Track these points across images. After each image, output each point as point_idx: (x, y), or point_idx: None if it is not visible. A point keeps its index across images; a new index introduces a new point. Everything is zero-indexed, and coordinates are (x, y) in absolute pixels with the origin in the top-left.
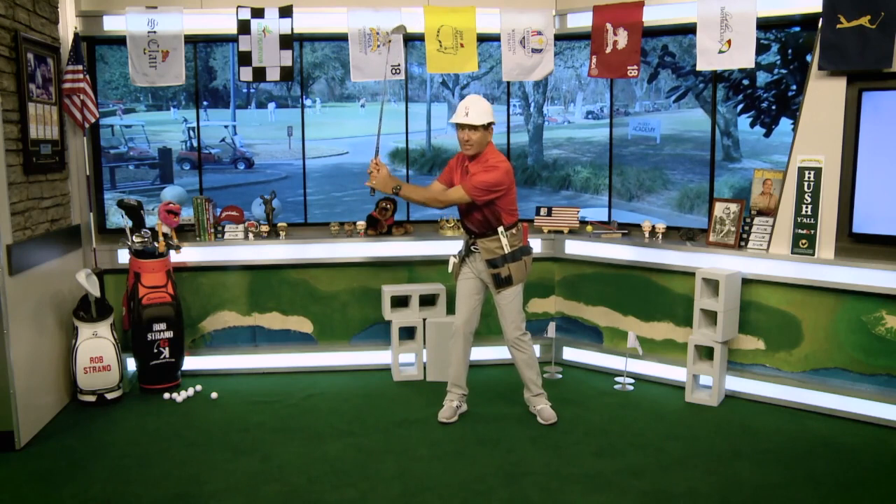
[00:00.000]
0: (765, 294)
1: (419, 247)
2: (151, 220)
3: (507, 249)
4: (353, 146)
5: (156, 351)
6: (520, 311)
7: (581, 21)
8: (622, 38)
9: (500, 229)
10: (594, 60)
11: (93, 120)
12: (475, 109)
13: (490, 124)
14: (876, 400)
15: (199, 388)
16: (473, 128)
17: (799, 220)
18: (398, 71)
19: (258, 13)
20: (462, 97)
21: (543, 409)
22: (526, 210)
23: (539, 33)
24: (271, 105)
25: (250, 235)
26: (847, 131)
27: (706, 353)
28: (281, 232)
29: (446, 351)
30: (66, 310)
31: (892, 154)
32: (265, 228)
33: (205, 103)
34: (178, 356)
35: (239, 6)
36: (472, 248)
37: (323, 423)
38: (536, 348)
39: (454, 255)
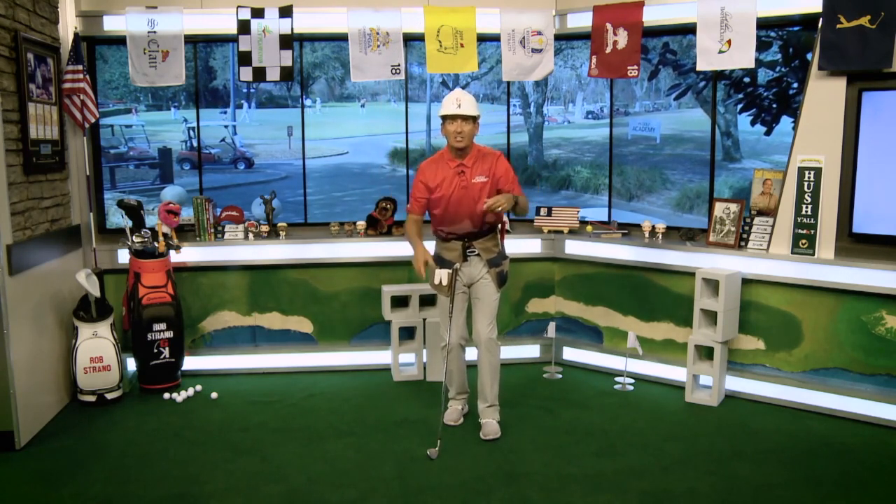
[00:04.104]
0: (765, 294)
1: None
2: (151, 220)
3: (500, 246)
4: (353, 146)
5: (156, 351)
6: (496, 312)
7: (581, 21)
8: (622, 38)
9: (499, 226)
10: (594, 60)
11: (93, 120)
12: (466, 100)
13: (478, 118)
14: (876, 400)
15: (199, 388)
16: (466, 119)
17: (799, 220)
18: (398, 71)
19: (258, 13)
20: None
21: (489, 423)
22: None
23: (539, 33)
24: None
25: (250, 235)
26: (847, 131)
27: (706, 353)
28: (281, 232)
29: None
30: (66, 310)
31: (892, 154)
32: (265, 228)
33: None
34: (178, 356)
35: (239, 6)
36: (468, 252)
37: (323, 423)
38: (536, 348)
39: (448, 270)
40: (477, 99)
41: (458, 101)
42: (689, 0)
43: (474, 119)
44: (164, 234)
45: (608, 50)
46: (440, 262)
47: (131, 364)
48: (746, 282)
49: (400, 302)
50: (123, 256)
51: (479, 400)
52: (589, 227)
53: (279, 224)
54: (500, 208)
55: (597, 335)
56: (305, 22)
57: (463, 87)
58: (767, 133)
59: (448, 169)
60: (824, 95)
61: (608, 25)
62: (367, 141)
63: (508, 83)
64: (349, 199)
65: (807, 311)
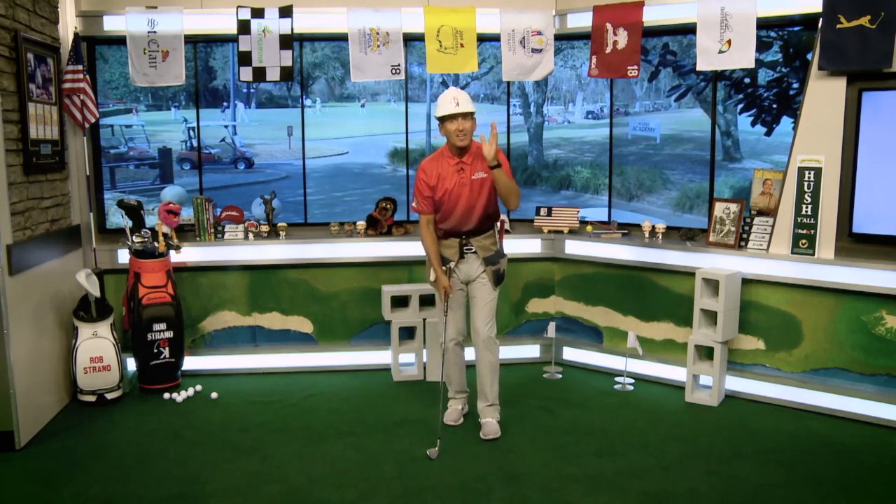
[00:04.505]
0: (765, 294)
1: (419, 247)
2: (151, 220)
3: (498, 244)
4: (353, 146)
5: (156, 351)
6: (495, 311)
7: (581, 21)
8: (622, 38)
9: (497, 224)
10: (594, 60)
11: (93, 120)
12: (463, 98)
13: (475, 113)
14: (876, 400)
15: (199, 388)
16: (465, 116)
17: (799, 220)
18: (398, 71)
19: (258, 13)
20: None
21: (489, 423)
22: (526, 210)
23: (539, 33)
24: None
25: (250, 235)
26: (847, 131)
27: (706, 353)
28: (281, 232)
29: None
30: (66, 310)
31: (892, 154)
32: (265, 228)
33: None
34: (178, 356)
35: (239, 6)
36: (465, 249)
37: (323, 423)
38: (536, 348)
39: (444, 267)
40: (477, 99)
41: (456, 100)
42: (689, 0)
43: (473, 115)
44: (164, 234)
45: (608, 50)
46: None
47: (131, 364)
48: (746, 282)
49: (400, 302)
50: (123, 256)
51: (478, 399)
52: (589, 227)
53: (279, 224)
54: (489, 143)
55: (597, 335)
56: (305, 22)
57: (463, 87)
58: (768, 133)
59: (448, 166)
60: (824, 95)
61: (608, 25)
62: (367, 141)
63: (508, 83)
64: (349, 199)
65: (807, 311)
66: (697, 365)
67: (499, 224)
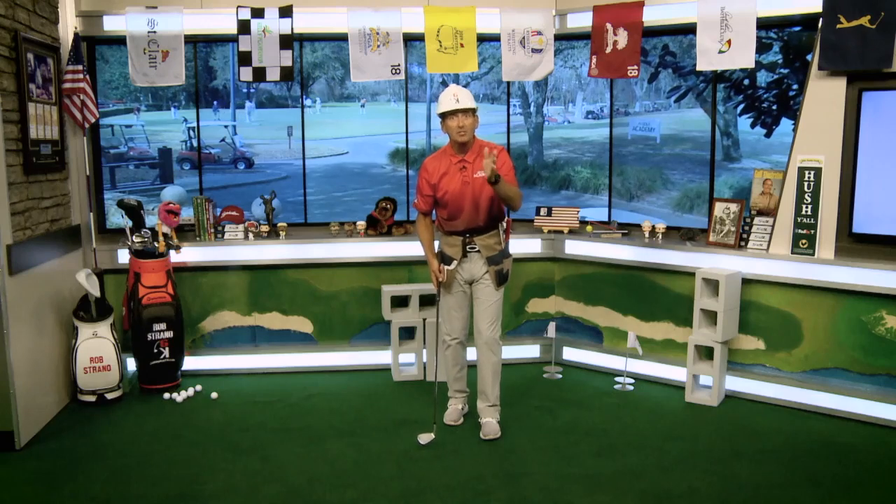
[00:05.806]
0: (765, 294)
1: (419, 247)
2: (151, 220)
3: (503, 244)
4: (353, 146)
5: (156, 351)
6: (501, 312)
7: (581, 21)
8: (622, 38)
9: (502, 223)
10: (594, 60)
11: (93, 120)
12: (463, 94)
13: (476, 109)
14: (876, 400)
15: (199, 388)
16: (466, 112)
17: (799, 220)
18: (398, 71)
19: (258, 13)
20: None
21: (490, 423)
22: (526, 210)
23: (539, 33)
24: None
25: (250, 235)
26: (847, 131)
27: (706, 353)
28: (281, 232)
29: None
30: (66, 310)
31: (892, 154)
32: (265, 228)
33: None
34: (178, 356)
35: (239, 6)
36: (468, 248)
37: (323, 423)
38: (536, 348)
39: (448, 265)
40: (477, 99)
41: (456, 96)
42: (689, 0)
43: (474, 112)
44: (164, 234)
45: (608, 50)
46: (441, 257)
47: (131, 364)
48: (746, 282)
49: (400, 302)
50: (123, 256)
51: (479, 399)
52: (589, 227)
53: (279, 224)
54: (487, 168)
55: (597, 335)
56: (305, 22)
57: (463, 87)
58: (767, 135)
59: (450, 164)
60: (824, 95)
61: (608, 25)
62: (367, 141)
63: (508, 83)
64: (349, 199)
65: (807, 311)
66: (697, 365)
67: (504, 224)
